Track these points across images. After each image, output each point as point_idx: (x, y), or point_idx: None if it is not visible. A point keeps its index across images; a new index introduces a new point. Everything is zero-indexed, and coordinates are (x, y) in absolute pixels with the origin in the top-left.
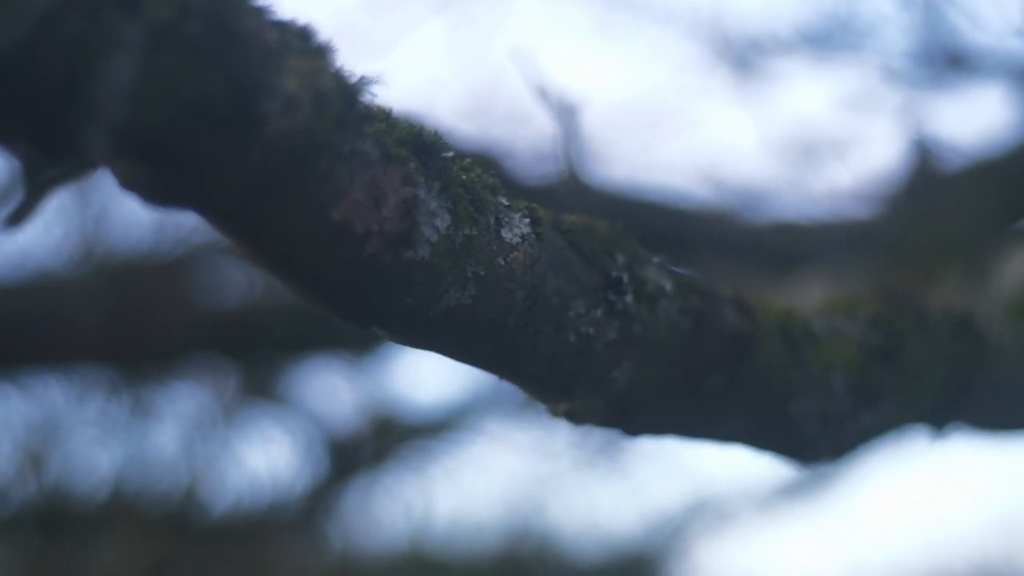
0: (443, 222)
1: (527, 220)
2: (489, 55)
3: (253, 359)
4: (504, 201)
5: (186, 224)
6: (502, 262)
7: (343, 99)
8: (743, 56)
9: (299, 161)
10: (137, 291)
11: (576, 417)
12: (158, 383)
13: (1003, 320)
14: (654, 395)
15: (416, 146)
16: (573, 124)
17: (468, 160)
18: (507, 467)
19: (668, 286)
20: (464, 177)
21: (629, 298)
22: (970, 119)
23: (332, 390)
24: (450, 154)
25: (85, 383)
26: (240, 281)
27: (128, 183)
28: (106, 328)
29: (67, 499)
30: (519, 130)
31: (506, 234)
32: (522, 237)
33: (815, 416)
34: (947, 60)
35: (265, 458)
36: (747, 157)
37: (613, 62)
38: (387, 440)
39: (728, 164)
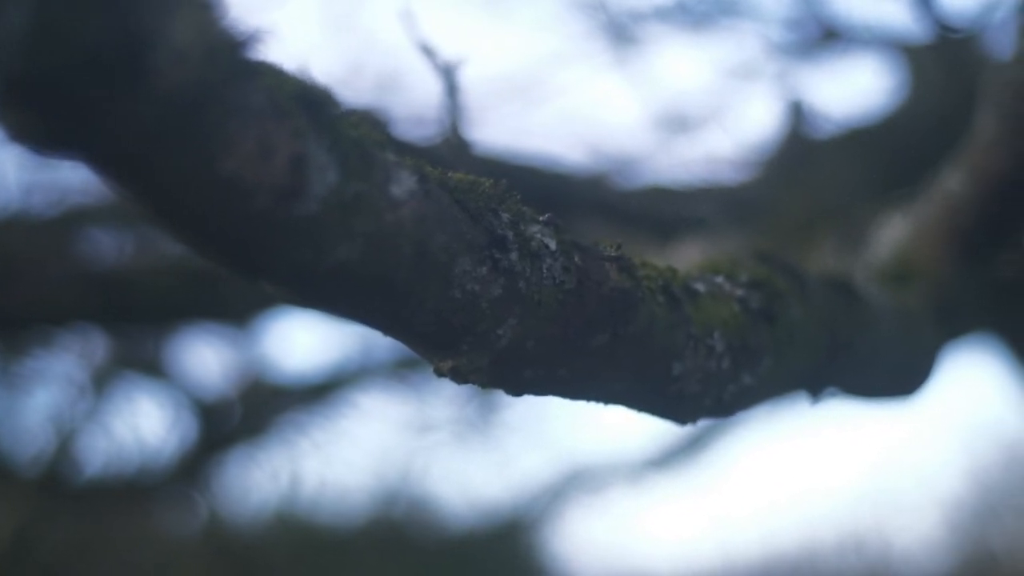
0: (332, 177)
1: (415, 177)
2: (366, 21)
3: (127, 325)
4: (393, 157)
5: (59, 186)
6: (390, 218)
7: (233, 52)
8: (622, 25)
9: (189, 113)
10: (7, 254)
11: (460, 375)
12: (30, 347)
13: (877, 285)
14: (538, 353)
15: (306, 101)
16: (455, 84)
17: (357, 116)
18: (381, 437)
19: (552, 244)
20: (353, 133)
21: (514, 255)
22: (844, 88)
23: (206, 358)
24: (339, 110)
25: None
26: (114, 247)
27: (18, 133)
28: None
29: None
30: (398, 96)
31: (395, 190)
32: (410, 193)
33: (696, 375)
34: (822, 30)
35: (137, 424)
36: (625, 124)
37: (492, 30)
38: (260, 408)
39: (606, 131)
